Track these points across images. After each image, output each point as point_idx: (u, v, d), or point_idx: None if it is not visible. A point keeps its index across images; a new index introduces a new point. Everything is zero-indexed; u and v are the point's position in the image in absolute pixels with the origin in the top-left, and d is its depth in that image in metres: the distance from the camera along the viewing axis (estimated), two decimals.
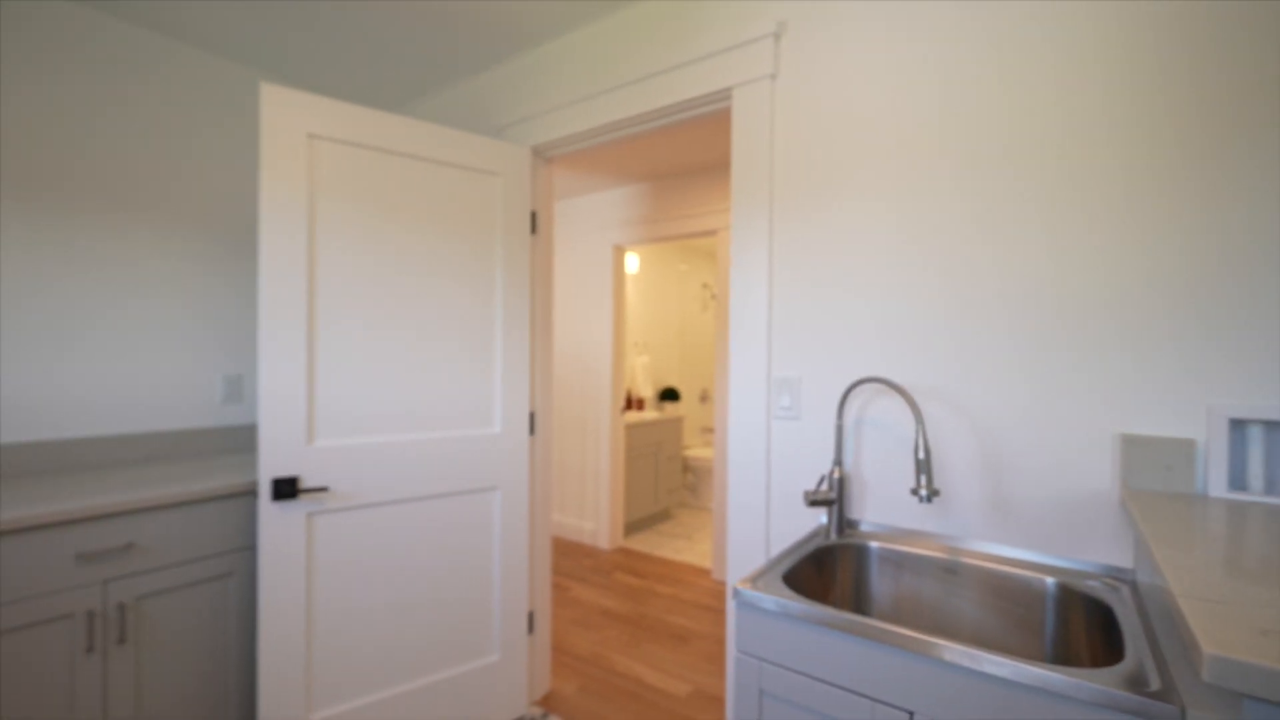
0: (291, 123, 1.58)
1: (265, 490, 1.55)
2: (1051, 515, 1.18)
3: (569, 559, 3.63)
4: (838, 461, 1.37)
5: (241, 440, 2.18)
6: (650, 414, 4.48)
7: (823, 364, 1.47)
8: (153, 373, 1.98)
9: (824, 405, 1.47)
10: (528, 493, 2.02)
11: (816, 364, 1.48)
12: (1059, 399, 1.17)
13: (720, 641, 2.59)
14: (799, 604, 0.98)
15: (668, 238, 3.59)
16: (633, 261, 4.70)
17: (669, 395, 5.11)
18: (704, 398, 5.81)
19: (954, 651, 0.83)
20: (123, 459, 1.89)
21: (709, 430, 5.79)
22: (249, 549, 1.69)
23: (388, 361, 1.74)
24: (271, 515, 1.56)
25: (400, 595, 1.76)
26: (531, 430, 2.10)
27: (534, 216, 2.10)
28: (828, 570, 1.30)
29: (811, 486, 1.48)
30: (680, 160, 3.29)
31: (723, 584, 3.24)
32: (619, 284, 3.86)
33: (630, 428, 4.08)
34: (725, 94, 1.63)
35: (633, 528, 4.21)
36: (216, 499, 1.62)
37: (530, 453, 2.10)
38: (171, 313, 2.03)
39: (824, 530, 1.37)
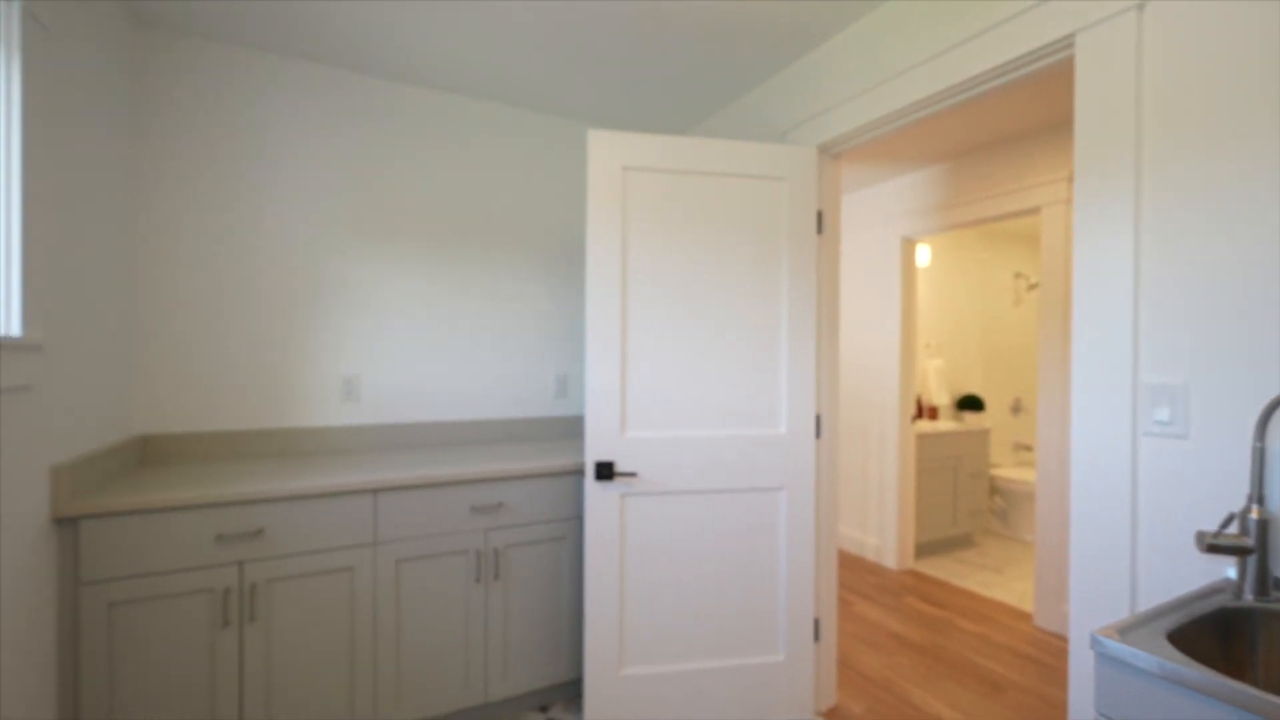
0: (610, 159, 1.85)
1: (590, 471, 1.83)
2: None
3: (851, 573, 3.44)
4: (1257, 499, 1.02)
5: (566, 429, 2.63)
6: (946, 424, 3.98)
7: (1223, 366, 1.11)
8: (507, 372, 2.52)
9: (1227, 421, 1.10)
10: (813, 496, 1.98)
11: (1212, 366, 1.12)
12: None
13: (1044, 699, 2.15)
14: (1202, 674, 0.75)
15: (970, 223, 3.14)
16: (923, 254, 4.24)
17: (969, 404, 4.46)
18: (1017, 408, 4.90)
19: None
20: (486, 438, 2.46)
21: (1025, 447, 4.87)
22: (577, 519, 2.03)
23: (684, 362, 1.90)
24: (594, 492, 1.84)
25: (692, 578, 1.91)
26: (817, 433, 2.05)
27: (820, 216, 2.06)
28: (1239, 640, 0.97)
29: (1206, 526, 1.13)
30: (984, 133, 2.85)
31: (1049, 633, 2.68)
32: (908, 280, 3.53)
33: (922, 438, 3.68)
34: (1064, 43, 1.36)
35: (925, 550, 3.79)
36: (555, 475, 1.99)
37: (816, 456, 2.06)
38: (521, 323, 2.56)
39: (1232, 587, 1.03)
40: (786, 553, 1.96)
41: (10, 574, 1.21)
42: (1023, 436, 4.94)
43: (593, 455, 1.84)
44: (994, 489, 4.31)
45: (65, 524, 1.40)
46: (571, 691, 2.10)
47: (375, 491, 1.72)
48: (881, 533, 3.59)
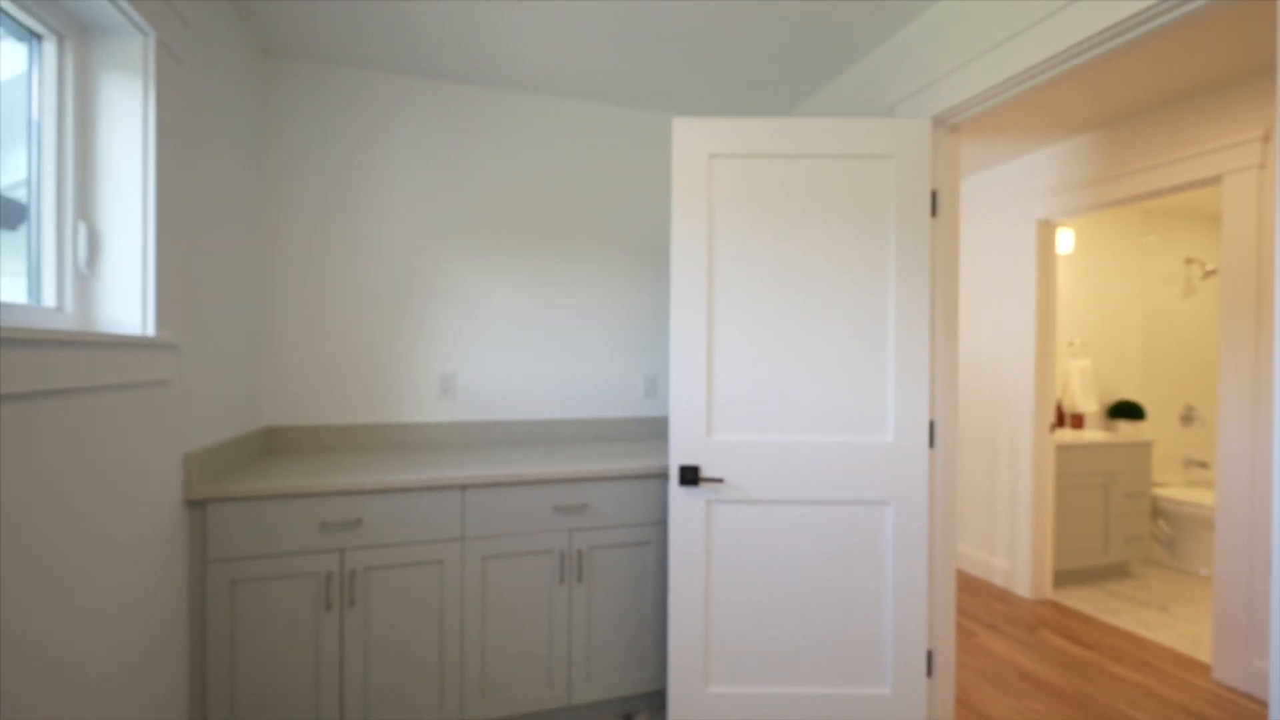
0: (695, 147, 1.75)
1: (674, 475, 1.75)
2: None
3: (974, 598, 3.07)
4: None
5: (655, 429, 2.57)
6: (1094, 434, 3.45)
7: None
8: (595, 371, 2.50)
9: None
10: (926, 513, 1.76)
11: None
12: None
13: None
14: None
15: (1127, 200, 2.69)
16: (1064, 239, 3.71)
17: (1125, 411, 3.84)
18: (1188, 418, 4.16)
19: None
20: (574, 437, 2.45)
21: (1199, 464, 4.12)
22: (662, 523, 1.95)
23: (775, 361, 1.76)
24: (679, 498, 1.76)
25: (785, 597, 1.76)
26: (931, 442, 1.82)
27: (934, 197, 1.83)
28: None
29: None
30: (1141, 92, 2.41)
31: (1234, 690, 2.21)
32: (1046, 269, 3.09)
33: (1063, 450, 3.21)
34: None
35: (1066, 578, 3.30)
36: (640, 477, 1.93)
37: (930, 467, 1.83)
38: (610, 322, 2.53)
39: None
40: (894, 575, 1.76)
41: (151, 549, 1.35)
42: (1195, 451, 4.18)
43: (677, 459, 1.75)
44: (1158, 512, 3.68)
45: (195, 506, 1.55)
46: (655, 702, 2.03)
47: (463, 488, 1.75)
48: (1012, 555, 3.18)
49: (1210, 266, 4.17)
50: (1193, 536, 3.50)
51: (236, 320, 1.86)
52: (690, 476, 1.74)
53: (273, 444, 2.09)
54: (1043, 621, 2.80)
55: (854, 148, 1.76)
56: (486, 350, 2.36)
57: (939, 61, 1.77)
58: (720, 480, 1.72)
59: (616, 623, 1.91)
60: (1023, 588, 3.10)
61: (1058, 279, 3.15)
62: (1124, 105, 2.55)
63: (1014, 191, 3.21)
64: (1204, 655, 2.49)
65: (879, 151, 1.76)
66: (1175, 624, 2.80)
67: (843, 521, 1.76)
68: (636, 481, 1.93)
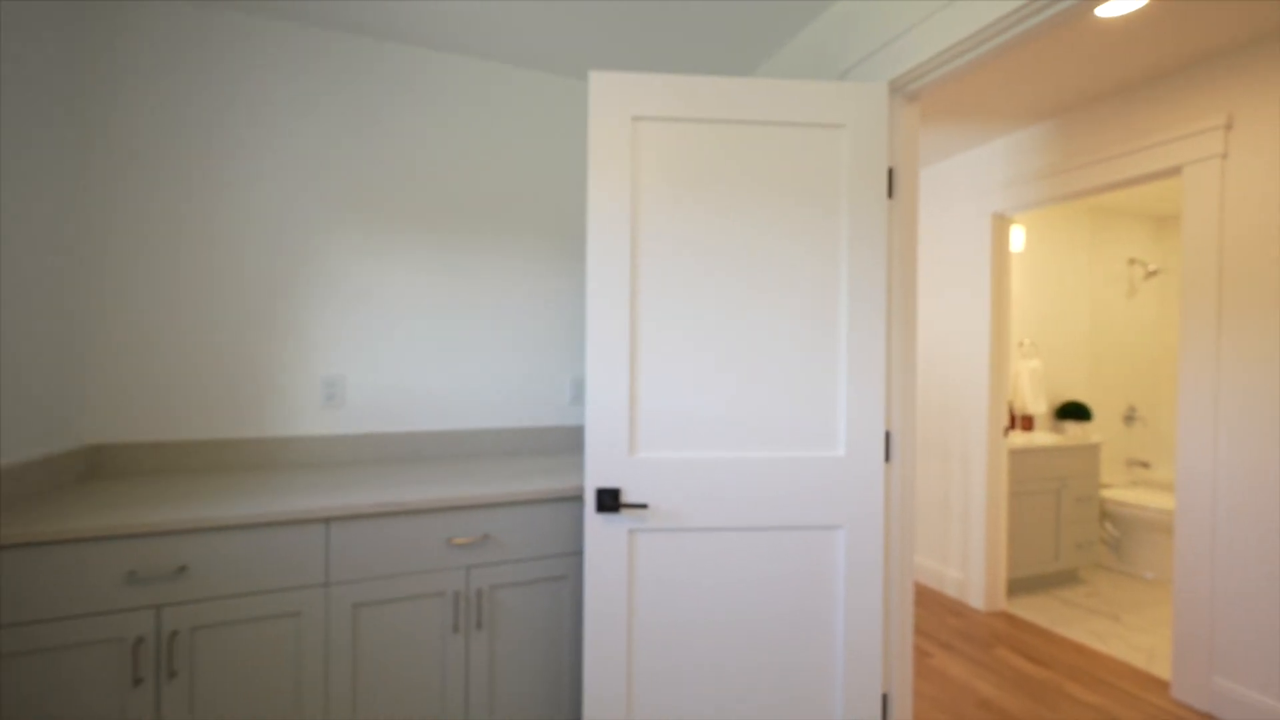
0: (616, 107, 1.46)
1: (590, 500, 1.46)
2: None
3: (929, 613, 2.90)
4: None
5: (582, 440, 2.26)
6: (1045, 437, 3.35)
7: None
8: (515, 374, 2.19)
9: None
10: (881, 539, 1.53)
11: None
12: None
13: None
14: None
15: (1083, 192, 2.55)
16: (1017, 236, 3.61)
17: (1072, 413, 3.78)
18: (1130, 418, 4.16)
19: None
20: (488, 450, 2.13)
21: (1141, 464, 4.12)
22: (582, 554, 1.66)
23: (710, 365, 1.49)
24: (596, 527, 1.47)
25: (721, 639, 1.50)
26: (887, 455, 1.60)
27: (891, 175, 1.60)
28: None
29: None
30: (1101, 77, 2.27)
31: (1195, 711, 2.08)
32: (1000, 266, 2.95)
33: (1016, 455, 3.09)
34: None
35: (1019, 587, 3.19)
36: (555, 500, 1.63)
37: (885, 485, 1.60)
38: (532, 318, 2.22)
39: None
40: (845, 610, 1.52)
41: None
42: (1138, 451, 4.19)
43: (594, 480, 1.46)
44: (1105, 514, 3.63)
45: None
46: None
47: (327, 521, 1.41)
48: (966, 566, 3.03)
49: (1152, 267, 4.18)
50: (1138, 539, 3.45)
51: (44, 314, 1.47)
52: (609, 502, 1.45)
53: (102, 466, 1.69)
54: (998, 637, 2.65)
55: (802, 114, 1.50)
56: (384, 349, 2.01)
57: (895, 19, 1.54)
58: (644, 506, 1.43)
59: (526, 674, 1.61)
60: (976, 599, 2.96)
61: (1011, 278, 3.02)
62: (1081, 92, 2.41)
63: (969, 184, 3.06)
64: (1160, 670, 2.38)
65: (830, 120, 1.51)
66: (1127, 634, 2.70)
67: (790, 550, 1.51)
68: (551, 505, 1.63)
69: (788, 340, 1.51)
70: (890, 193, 1.60)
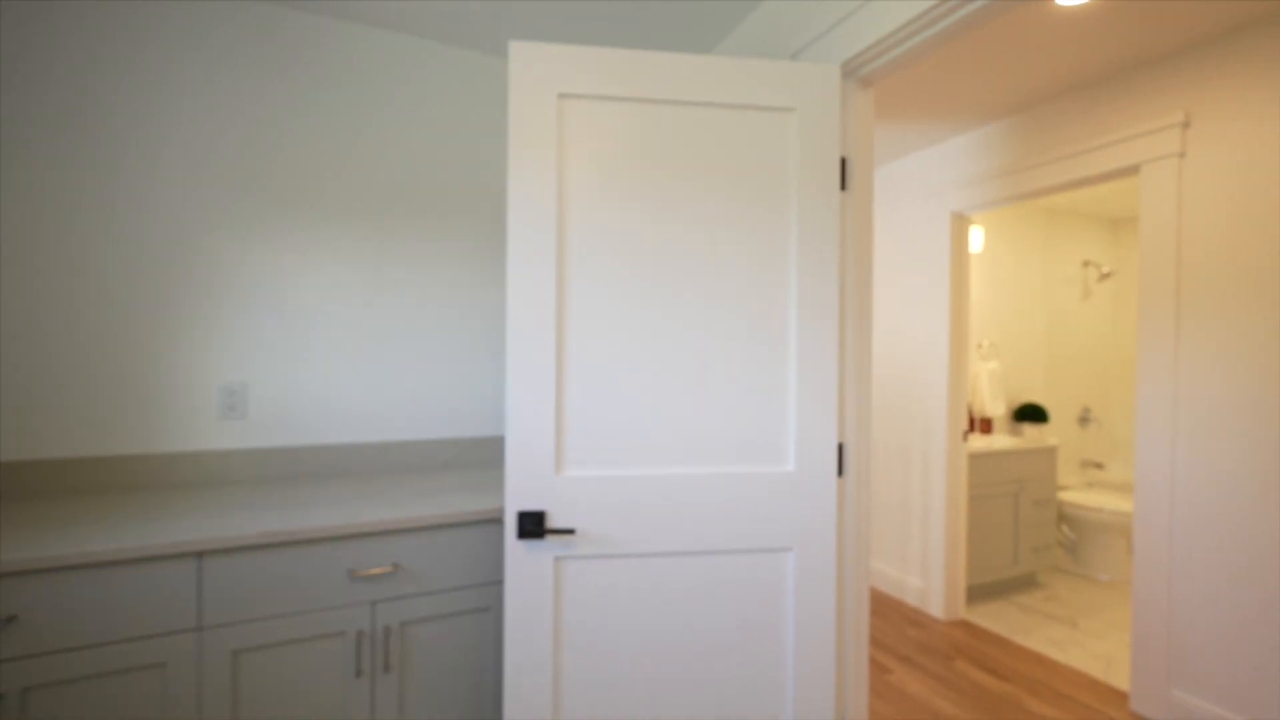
0: (541, 83, 1.30)
1: (510, 525, 1.29)
2: None
3: (888, 623, 2.82)
4: None
5: None
6: (1004, 440, 3.31)
7: None
8: (441, 379, 2.00)
9: None
10: (834, 560, 1.40)
11: None
12: None
13: None
14: None
15: (1041, 191, 2.50)
16: (975, 237, 3.57)
17: (1029, 415, 3.77)
18: (1085, 419, 4.18)
19: None
20: (419, 464, 1.94)
21: (1094, 464, 4.15)
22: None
23: (647, 371, 1.34)
24: (518, 555, 1.30)
25: (660, 677, 1.35)
26: (840, 470, 1.47)
27: (844, 165, 1.48)
28: None
29: None
30: (1060, 73, 2.21)
31: None
32: (959, 266, 2.89)
33: (975, 459, 3.03)
34: None
35: (979, 594, 3.14)
36: (474, 524, 1.46)
37: (839, 502, 1.48)
38: (459, 318, 2.03)
39: None
40: (795, 640, 1.38)
41: None
42: (1092, 453, 4.21)
43: (515, 503, 1.30)
44: (1061, 516, 3.62)
45: None
46: None
47: (199, 554, 1.21)
48: (926, 574, 2.96)
49: (1106, 270, 4.21)
50: (1094, 541, 3.45)
51: None
52: (532, 526, 1.29)
53: None
54: (958, 649, 2.57)
55: (749, 96, 1.37)
56: (295, 354, 1.80)
57: None
58: (571, 531, 1.27)
59: (442, 715, 1.43)
60: (936, 608, 2.89)
61: (970, 278, 2.96)
62: (1040, 89, 2.35)
63: (928, 182, 3.00)
64: (1119, 680, 2.33)
65: (779, 104, 1.38)
66: (1085, 641, 2.66)
67: (734, 576, 1.37)
68: (473, 529, 1.46)
69: (733, 344, 1.37)
70: (844, 184, 1.47)
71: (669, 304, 1.35)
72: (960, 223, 2.88)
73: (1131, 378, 4.19)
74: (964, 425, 2.88)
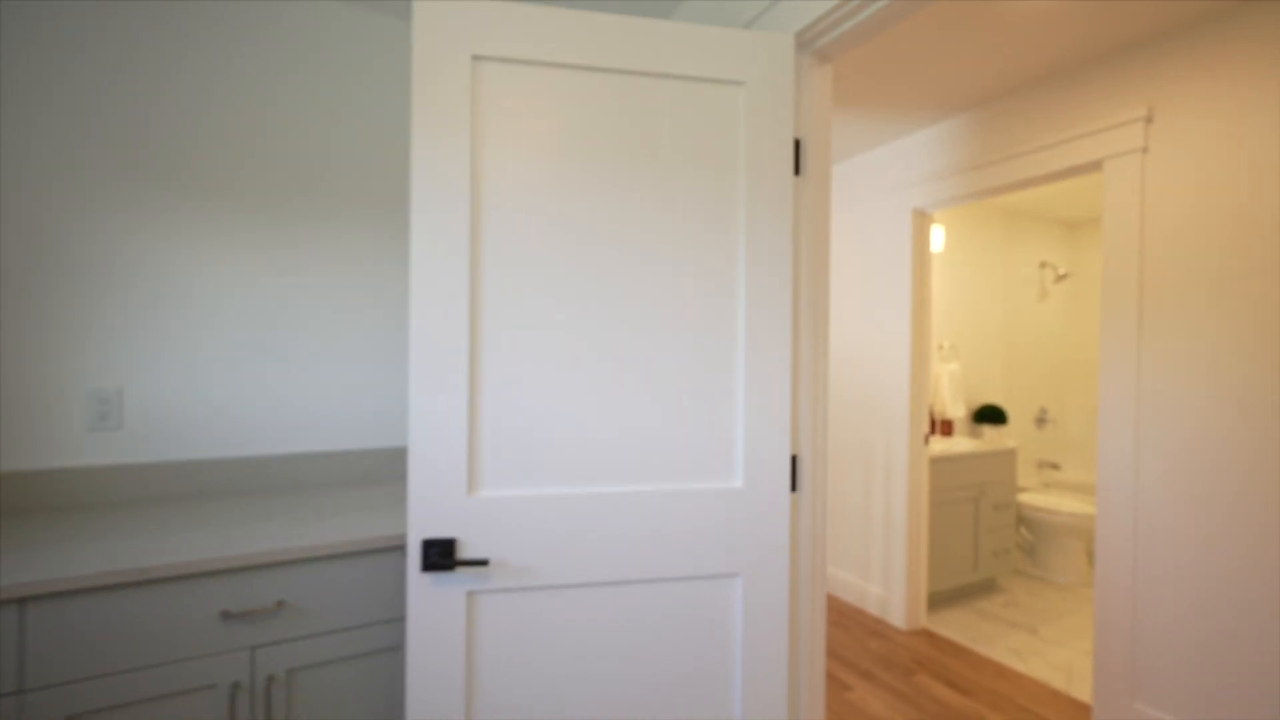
0: (451, 43, 1.12)
1: (414, 555, 1.11)
2: None
3: (847, 634, 2.71)
4: None
5: None
6: (965, 443, 3.26)
7: None
8: (354, 383, 1.80)
9: None
10: (786, 586, 1.26)
11: None
12: None
13: None
14: None
15: (1002, 188, 2.42)
16: (938, 236, 3.51)
17: (989, 416, 3.74)
18: (1041, 420, 4.19)
19: None
20: (328, 479, 1.73)
21: (1050, 465, 4.16)
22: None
23: (575, 376, 1.17)
24: (423, 590, 1.12)
25: None
26: (794, 485, 1.33)
27: (798, 147, 1.34)
28: None
29: None
30: (1023, 64, 2.13)
31: None
32: (920, 264, 2.81)
33: (936, 463, 2.96)
34: None
35: (940, 600, 3.07)
36: (376, 552, 1.27)
37: (791, 520, 1.34)
38: (376, 314, 1.83)
39: None
40: (743, 678, 1.24)
41: None
42: (1049, 453, 4.23)
43: (420, 530, 1.11)
44: (1020, 519, 3.59)
45: None
46: None
47: (20, 601, 0.99)
48: (887, 582, 2.87)
49: (1062, 271, 4.23)
50: (1052, 544, 3.42)
51: None
52: (440, 557, 1.11)
53: None
54: (920, 661, 2.48)
55: (693, 66, 1.21)
56: (184, 354, 1.57)
57: None
58: (484, 563, 1.10)
59: None
60: (898, 617, 2.80)
61: (932, 277, 2.88)
62: (1002, 83, 2.27)
63: (889, 178, 2.90)
64: (1080, 691, 2.26)
65: (726, 76, 1.23)
66: (1045, 649, 2.61)
67: (676, 607, 1.22)
68: (375, 557, 1.27)
69: (675, 344, 1.21)
70: (798, 169, 1.33)
71: (601, 300, 1.18)
72: (922, 220, 2.80)
73: (1087, 378, 4.21)
74: (925, 428, 2.80)
